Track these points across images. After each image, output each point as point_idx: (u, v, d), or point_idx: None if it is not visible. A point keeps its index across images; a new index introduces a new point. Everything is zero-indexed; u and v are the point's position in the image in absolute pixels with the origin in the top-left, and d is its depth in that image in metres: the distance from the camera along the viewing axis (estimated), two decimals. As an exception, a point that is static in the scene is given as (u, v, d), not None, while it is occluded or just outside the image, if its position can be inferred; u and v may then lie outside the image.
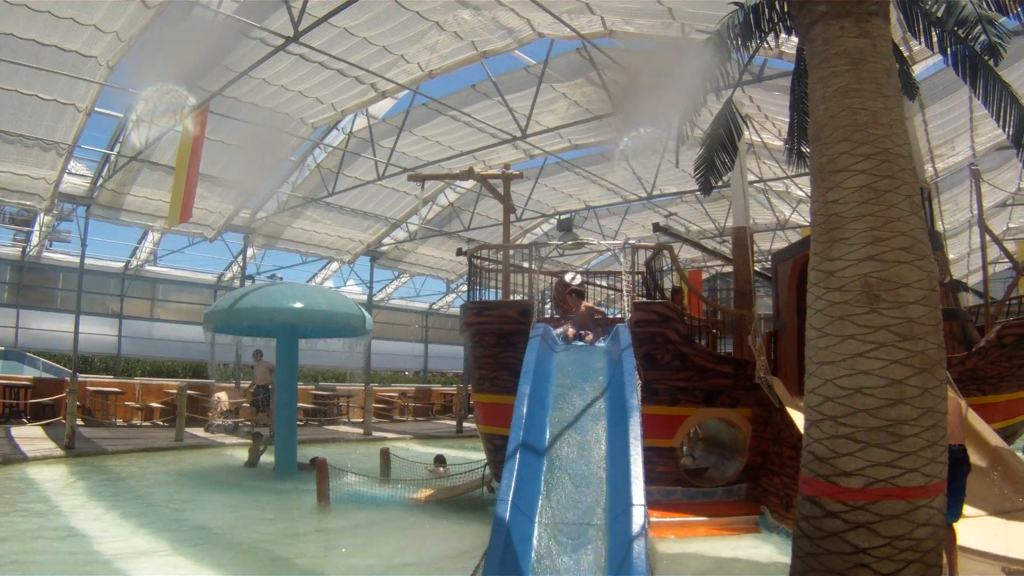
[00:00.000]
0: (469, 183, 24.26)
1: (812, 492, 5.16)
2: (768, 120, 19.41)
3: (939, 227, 19.44)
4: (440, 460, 15.69)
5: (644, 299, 12.66)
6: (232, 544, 9.83)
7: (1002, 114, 9.38)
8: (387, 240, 31.17)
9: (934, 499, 4.97)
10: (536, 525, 6.91)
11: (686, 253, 30.42)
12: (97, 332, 28.27)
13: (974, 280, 28.41)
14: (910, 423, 4.91)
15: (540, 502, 7.20)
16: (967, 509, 8.52)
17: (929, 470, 4.92)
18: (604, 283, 16.62)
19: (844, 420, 5.02)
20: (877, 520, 4.85)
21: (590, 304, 10.01)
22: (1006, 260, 17.48)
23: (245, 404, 22.06)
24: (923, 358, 4.98)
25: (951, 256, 27.06)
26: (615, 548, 6.36)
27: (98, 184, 22.31)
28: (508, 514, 6.35)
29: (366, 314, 15.83)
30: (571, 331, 11.13)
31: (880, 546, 4.82)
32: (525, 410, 7.82)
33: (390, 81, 18.07)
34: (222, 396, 23.15)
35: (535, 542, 6.71)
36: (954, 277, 16.61)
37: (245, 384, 24.22)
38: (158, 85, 16.39)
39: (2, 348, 25.44)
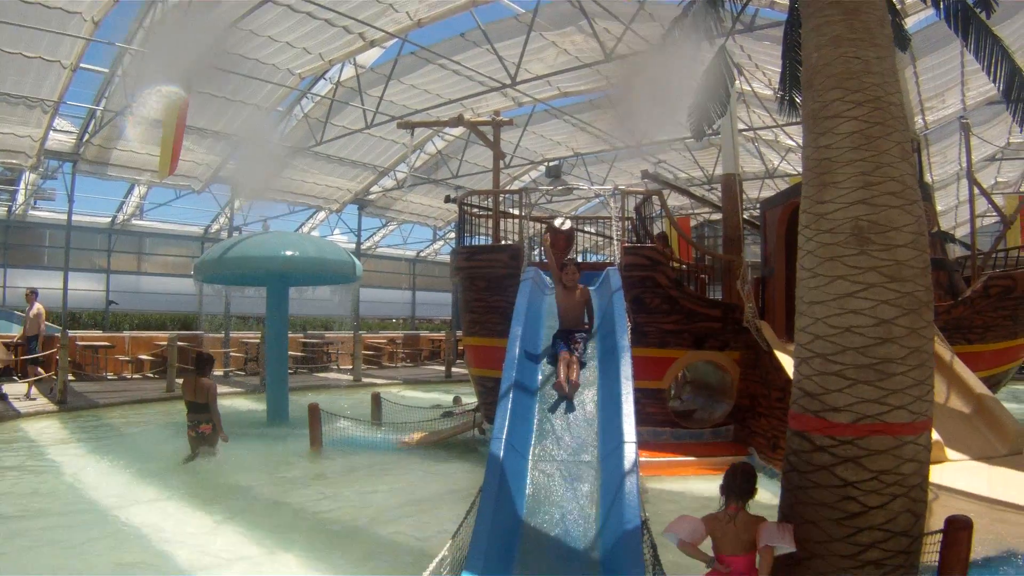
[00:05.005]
0: (457, 131, 24.18)
1: (802, 427, 5.27)
2: (759, 69, 19.40)
3: (928, 179, 19.54)
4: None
5: (634, 243, 12.74)
6: (228, 489, 9.97)
7: (993, 68, 9.43)
8: (375, 188, 31.12)
9: (920, 436, 5.06)
10: (529, 462, 7.02)
11: (674, 200, 30.44)
12: (85, 288, 28.24)
13: (962, 232, 28.65)
14: (897, 362, 5.00)
15: (533, 440, 7.31)
16: (951, 453, 8.73)
17: (916, 408, 5.02)
18: (593, 229, 16.67)
19: (833, 357, 5.11)
20: (865, 454, 4.96)
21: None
22: (994, 214, 17.63)
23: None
24: (911, 299, 5.06)
25: (939, 208, 27.25)
26: (607, 483, 6.47)
27: (84, 140, 22.17)
28: (503, 451, 6.45)
29: (356, 260, 15.88)
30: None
31: (867, 480, 4.93)
32: (518, 351, 7.91)
33: (378, 30, 17.92)
34: None
35: (529, 478, 6.83)
36: (942, 229, 16.75)
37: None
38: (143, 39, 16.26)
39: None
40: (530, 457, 7.08)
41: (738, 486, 5.14)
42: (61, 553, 7.05)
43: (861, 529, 4.91)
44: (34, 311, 17.84)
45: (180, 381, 13.13)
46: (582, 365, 8.15)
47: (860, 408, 4.99)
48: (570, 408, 7.46)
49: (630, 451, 6.33)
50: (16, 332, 20.71)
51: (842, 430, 5.02)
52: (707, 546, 5.17)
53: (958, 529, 4.88)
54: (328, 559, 7.11)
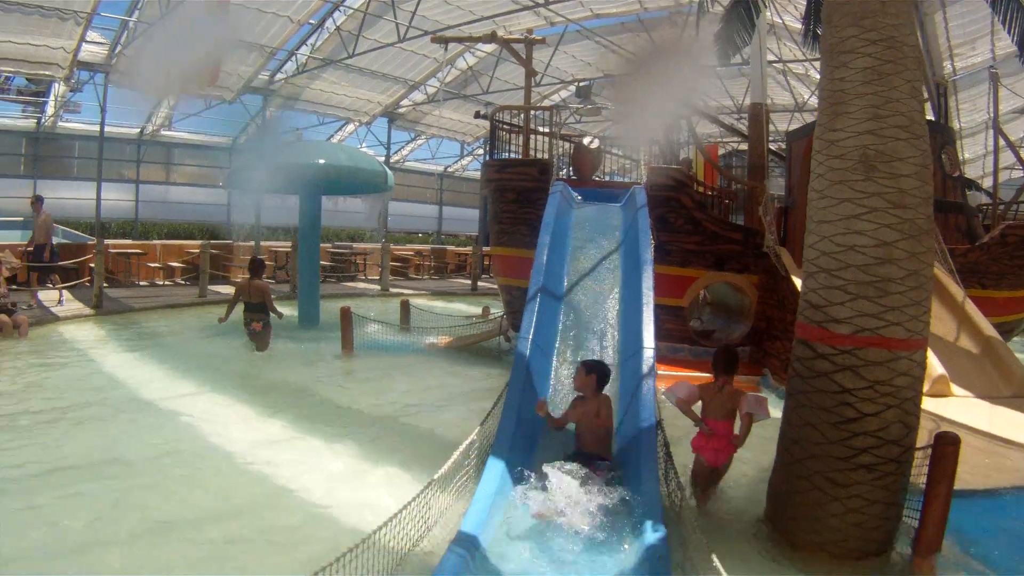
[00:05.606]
0: (489, 48, 24.23)
1: (806, 336, 5.67)
2: (790, 3, 19.34)
3: (954, 124, 19.51)
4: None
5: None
6: (266, 385, 10.48)
7: (1009, 22, 9.60)
8: (405, 102, 31.24)
9: (914, 353, 5.41)
10: (553, 362, 7.51)
11: (703, 128, 30.42)
12: (113, 198, 28.39)
13: (988, 183, 28.53)
14: (896, 282, 5.34)
15: (558, 341, 7.78)
16: (956, 389, 9.07)
17: (911, 326, 5.37)
18: (620, 151, 16.89)
19: (837, 273, 5.48)
20: (862, 364, 5.34)
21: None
22: (1020, 167, 17.63)
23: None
24: (912, 226, 5.39)
25: (967, 156, 27.11)
26: (626, 384, 6.94)
27: (116, 51, 22.30)
28: (528, 350, 6.91)
29: (388, 171, 16.17)
30: None
31: (864, 388, 5.32)
32: (545, 259, 8.31)
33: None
34: None
35: (552, 377, 7.32)
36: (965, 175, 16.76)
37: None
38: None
39: (23, 219, 25.67)
40: (554, 358, 7.56)
41: (723, 362, 6.34)
42: (114, 444, 7.51)
43: (856, 434, 5.30)
44: (42, 218, 17.64)
45: (232, 288, 13.49)
46: None
47: (859, 321, 5.37)
48: (594, 314, 7.85)
49: (648, 356, 6.80)
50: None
51: (842, 340, 5.41)
52: (698, 410, 6.26)
53: (945, 444, 5.21)
54: (363, 444, 7.59)
